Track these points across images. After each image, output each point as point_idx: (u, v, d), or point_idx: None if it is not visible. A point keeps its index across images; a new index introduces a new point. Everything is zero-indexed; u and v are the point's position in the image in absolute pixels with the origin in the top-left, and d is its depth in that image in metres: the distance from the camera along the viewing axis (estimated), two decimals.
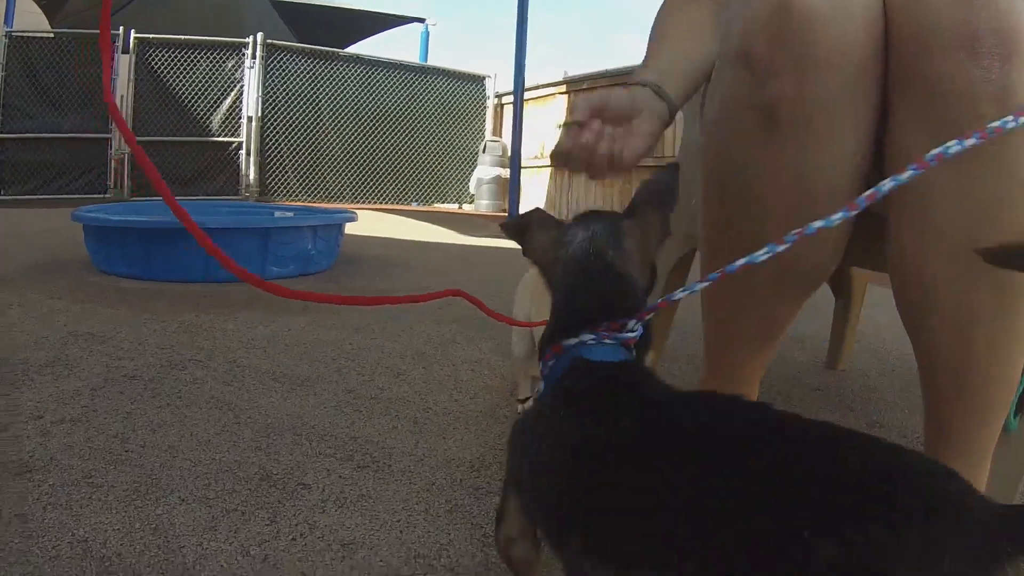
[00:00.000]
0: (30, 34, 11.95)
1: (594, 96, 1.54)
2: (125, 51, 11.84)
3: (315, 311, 3.81)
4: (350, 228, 5.62)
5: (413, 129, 14.00)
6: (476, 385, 2.72)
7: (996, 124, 1.10)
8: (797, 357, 3.27)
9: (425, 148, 14.12)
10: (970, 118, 1.24)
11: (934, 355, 1.46)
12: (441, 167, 14.33)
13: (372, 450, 2.13)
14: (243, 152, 12.45)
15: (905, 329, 1.52)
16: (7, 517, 1.66)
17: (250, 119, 12.42)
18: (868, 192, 1.12)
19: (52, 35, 12.22)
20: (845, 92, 1.37)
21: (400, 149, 13.89)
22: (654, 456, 0.99)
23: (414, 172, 14.06)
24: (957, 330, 1.38)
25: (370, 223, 6.68)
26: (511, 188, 10.98)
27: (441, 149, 14.31)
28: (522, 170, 11.17)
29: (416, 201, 13.95)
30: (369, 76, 13.62)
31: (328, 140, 13.26)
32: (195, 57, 12.24)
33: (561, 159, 1.55)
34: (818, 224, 1.14)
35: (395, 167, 13.87)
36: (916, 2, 1.29)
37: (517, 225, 1.39)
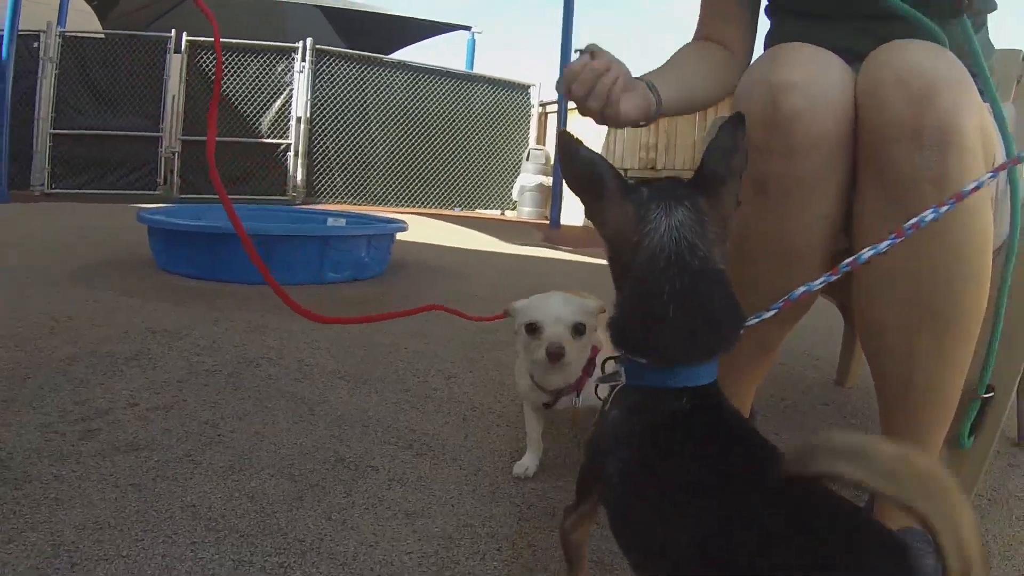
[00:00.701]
0: (83, 34, 12.32)
1: (601, 49, 1.75)
2: (177, 51, 12.21)
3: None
4: (400, 238, 5.87)
5: (457, 135, 14.24)
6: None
7: (944, 208, 1.40)
8: (810, 375, 3.49)
9: (469, 154, 14.35)
10: (913, 197, 1.54)
11: (883, 380, 1.74)
12: (484, 173, 14.54)
13: (428, 440, 2.44)
14: (291, 154, 12.71)
15: (864, 356, 1.82)
16: (123, 486, 1.97)
17: (299, 120, 12.73)
18: (849, 260, 1.41)
19: (103, 36, 12.61)
20: (821, 170, 1.66)
21: (444, 154, 14.14)
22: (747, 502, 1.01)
23: (457, 177, 14.30)
24: (902, 362, 1.68)
25: (415, 228, 6.90)
26: (554, 196, 11.17)
27: (485, 156, 14.51)
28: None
29: (459, 206, 14.19)
30: (415, 82, 13.89)
31: (374, 144, 13.53)
32: (245, 60, 12.57)
33: (570, 79, 1.72)
34: (801, 290, 1.45)
35: (439, 172, 14.13)
36: (877, 100, 1.57)
37: (588, 179, 1.30)
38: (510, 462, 2.30)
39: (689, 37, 2.20)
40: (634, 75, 1.82)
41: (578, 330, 2.01)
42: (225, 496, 1.96)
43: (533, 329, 2.02)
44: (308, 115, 12.79)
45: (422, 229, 8.69)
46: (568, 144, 1.33)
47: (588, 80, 1.71)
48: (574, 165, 1.32)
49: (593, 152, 1.32)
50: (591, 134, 12.69)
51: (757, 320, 1.42)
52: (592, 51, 1.74)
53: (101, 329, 3.48)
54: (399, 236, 5.85)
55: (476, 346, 3.64)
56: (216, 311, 4.01)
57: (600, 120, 1.79)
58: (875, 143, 1.60)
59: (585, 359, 2.09)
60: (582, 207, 1.34)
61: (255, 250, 2.24)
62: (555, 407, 2.17)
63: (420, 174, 13.94)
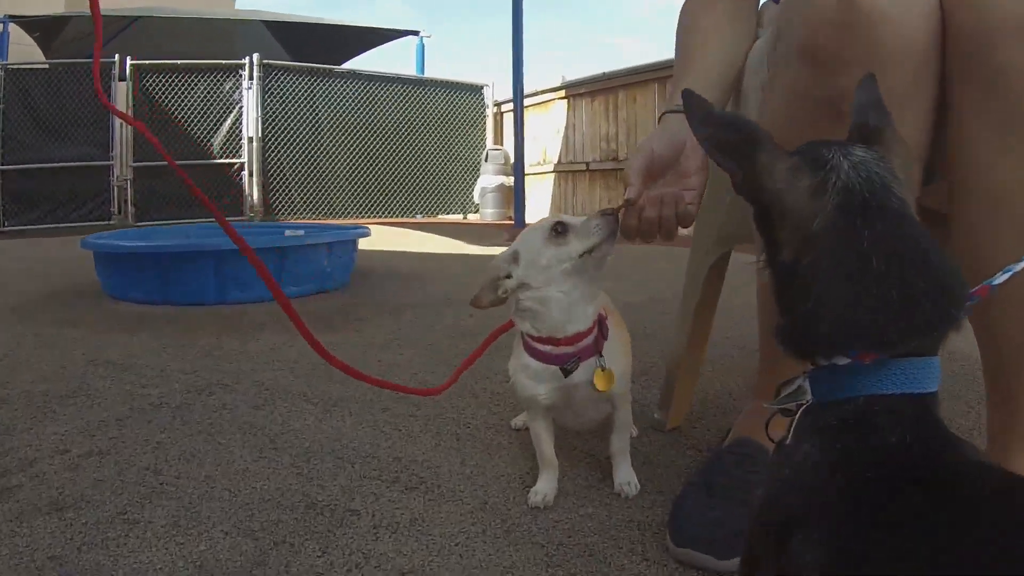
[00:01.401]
0: (25, 66, 12.01)
1: (637, 163, 1.61)
2: (121, 79, 11.86)
3: (338, 330, 3.74)
4: (361, 244, 5.54)
5: (414, 141, 13.99)
6: (512, 397, 2.59)
7: None
8: None
9: (427, 160, 14.10)
10: None
11: (1003, 341, 1.44)
12: (444, 178, 14.28)
13: (418, 470, 2.04)
14: (245, 173, 12.40)
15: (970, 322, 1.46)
16: (40, 560, 1.56)
17: (251, 140, 12.40)
18: (1004, 273, 1.03)
19: (47, 66, 12.24)
20: (908, 86, 1.35)
21: (402, 162, 13.88)
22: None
23: (417, 184, 14.03)
24: None
25: (378, 237, 6.60)
26: (516, 195, 10.98)
27: (443, 160, 14.27)
28: (526, 176, 11.15)
29: (420, 213, 13.89)
30: (367, 91, 13.63)
31: (329, 157, 13.25)
32: (192, 81, 12.25)
33: (629, 237, 1.65)
34: None
35: (398, 180, 13.85)
36: None
37: (734, 135, 1.00)
38: (522, 489, 1.92)
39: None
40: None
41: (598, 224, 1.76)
42: (166, 566, 1.55)
43: (564, 229, 1.75)
44: (260, 132, 12.45)
45: (386, 238, 8.36)
46: (697, 103, 1.04)
47: (652, 232, 1.66)
48: (711, 125, 1.03)
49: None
50: (549, 129, 12.54)
51: (1006, 276, 1.02)
52: (632, 201, 1.63)
53: (37, 366, 3.09)
54: (363, 246, 5.52)
55: (457, 352, 3.25)
56: (165, 337, 3.62)
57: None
58: (978, 48, 1.28)
59: (600, 299, 1.85)
60: (727, 176, 1.06)
61: (265, 268, 1.90)
62: (573, 382, 1.80)
63: (379, 184, 13.66)
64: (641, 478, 1.94)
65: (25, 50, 13.39)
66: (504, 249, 1.82)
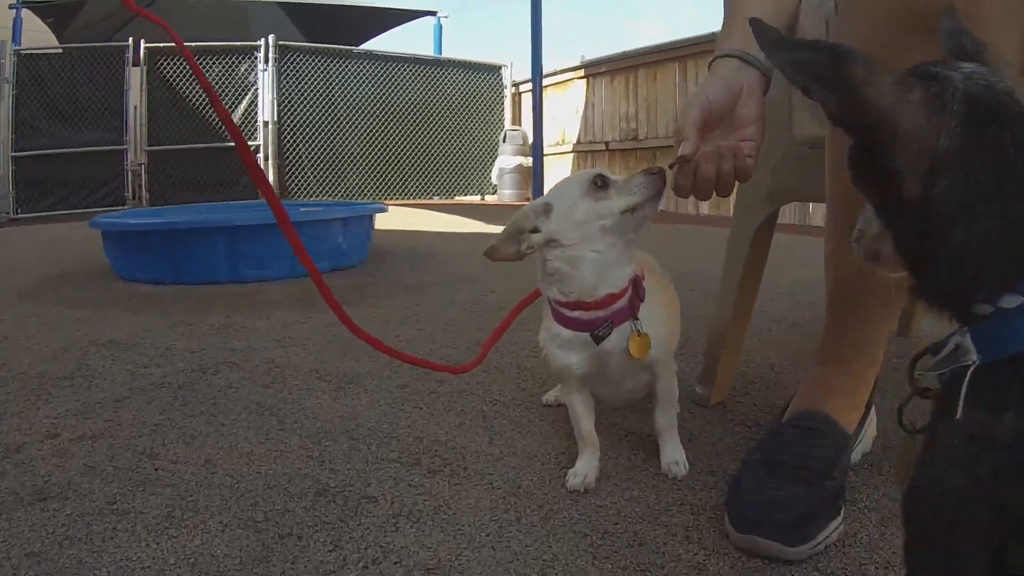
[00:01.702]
0: (39, 51, 11.79)
1: (692, 114, 1.42)
2: (136, 64, 11.68)
3: (353, 306, 3.54)
4: (378, 224, 5.35)
5: (431, 123, 13.75)
6: (541, 371, 2.41)
7: None
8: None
9: (444, 141, 13.87)
10: None
11: (835, 273, 1.62)
12: (462, 159, 14.06)
13: (441, 451, 1.84)
14: (260, 156, 12.22)
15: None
16: (16, 557, 1.38)
17: (266, 124, 12.20)
18: None
19: (60, 51, 12.05)
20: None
21: (419, 143, 13.64)
22: None
23: (435, 166, 13.81)
24: None
25: (396, 218, 6.41)
26: (535, 176, 10.87)
27: (461, 141, 14.03)
28: (544, 157, 11.00)
29: (438, 195, 13.70)
30: (384, 72, 13.41)
31: (346, 138, 13.04)
32: (207, 63, 11.98)
33: (683, 195, 1.48)
34: None
35: (415, 162, 13.64)
36: None
37: (821, 54, 0.83)
38: (559, 471, 1.72)
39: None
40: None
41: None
42: (156, 563, 1.36)
43: (605, 183, 1.60)
44: (276, 114, 12.25)
45: (403, 218, 8.18)
46: (767, 29, 0.88)
47: (709, 189, 1.46)
48: (789, 48, 0.85)
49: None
50: (567, 109, 12.36)
51: None
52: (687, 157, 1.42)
53: (37, 348, 2.92)
54: (381, 226, 5.33)
55: (477, 327, 3.08)
56: (173, 316, 3.44)
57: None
58: None
59: (636, 255, 1.68)
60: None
61: (300, 242, 1.73)
62: (606, 349, 1.62)
63: (395, 165, 13.45)
64: (689, 457, 1.76)
65: (39, 36, 13.26)
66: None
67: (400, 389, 2.31)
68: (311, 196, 12.48)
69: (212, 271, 4.31)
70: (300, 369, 2.52)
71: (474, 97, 14.19)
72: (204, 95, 11.69)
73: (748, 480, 1.50)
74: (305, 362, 2.60)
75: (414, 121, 13.59)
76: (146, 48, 11.56)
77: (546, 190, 9.08)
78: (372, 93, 13.26)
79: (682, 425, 1.93)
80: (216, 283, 4.28)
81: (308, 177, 12.63)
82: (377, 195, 12.98)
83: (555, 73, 12.69)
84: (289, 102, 12.46)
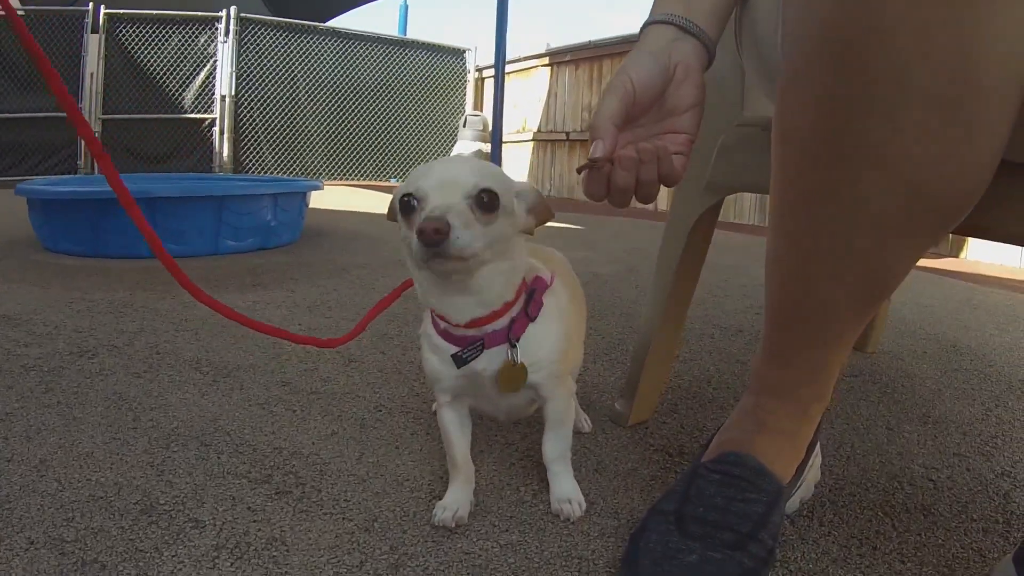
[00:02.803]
0: None
1: (611, 106, 1.20)
2: (95, 30, 11.45)
3: (267, 287, 3.42)
4: (320, 203, 5.20)
5: (392, 104, 13.64)
6: None
7: None
8: None
9: (404, 123, 13.77)
10: None
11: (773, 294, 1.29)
12: (421, 142, 13.95)
13: (299, 467, 1.65)
14: (216, 130, 12.06)
15: None
16: None
17: (223, 98, 12.01)
18: None
19: (22, 13, 11.79)
20: None
21: (379, 124, 13.53)
22: None
23: (393, 147, 13.68)
24: None
25: (346, 198, 6.18)
26: (492, 162, 10.67)
27: (421, 124, 13.95)
28: (504, 144, 10.91)
29: (395, 177, 13.55)
30: (346, 50, 13.27)
31: (304, 116, 12.87)
32: (166, 33, 11.83)
33: (598, 200, 1.25)
34: None
35: (374, 142, 13.51)
36: None
37: None
38: (428, 500, 1.50)
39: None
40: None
41: (485, 204, 1.22)
42: None
43: (410, 208, 1.25)
44: (233, 90, 12.06)
45: (352, 199, 8.01)
46: None
47: (627, 198, 1.22)
48: None
49: None
50: (530, 97, 12.24)
51: None
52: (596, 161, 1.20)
53: None
54: (328, 206, 5.20)
55: (393, 316, 2.91)
56: (79, 291, 3.29)
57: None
58: None
59: (513, 275, 1.35)
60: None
61: (139, 211, 1.54)
62: (478, 370, 1.37)
63: (354, 145, 13.30)
64: (590, 493, 1.53)
65: None
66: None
67: (280, 387, 2.15)
68: (266, 172, 12.36)
69: (133, 244, 4.14)
70: (180, 358, 2.37)
71: (437, 80, 14.13)
72: (163, 64, 11.57)
73: (653, 536, 1.24)
74: (189, 350, 2.46)
75: (375, 102, 13.49)
76: (106, 14, 11.36)
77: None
78: (333, 71, 13.15)
79: (589, 449, 1.75)
80: (139, 257, 4.13)
81: (264, 154, 12.47)
82: (333, 174, 12.89)
83: (519, 60, 12.60)
84: (248, 76, 12.28)
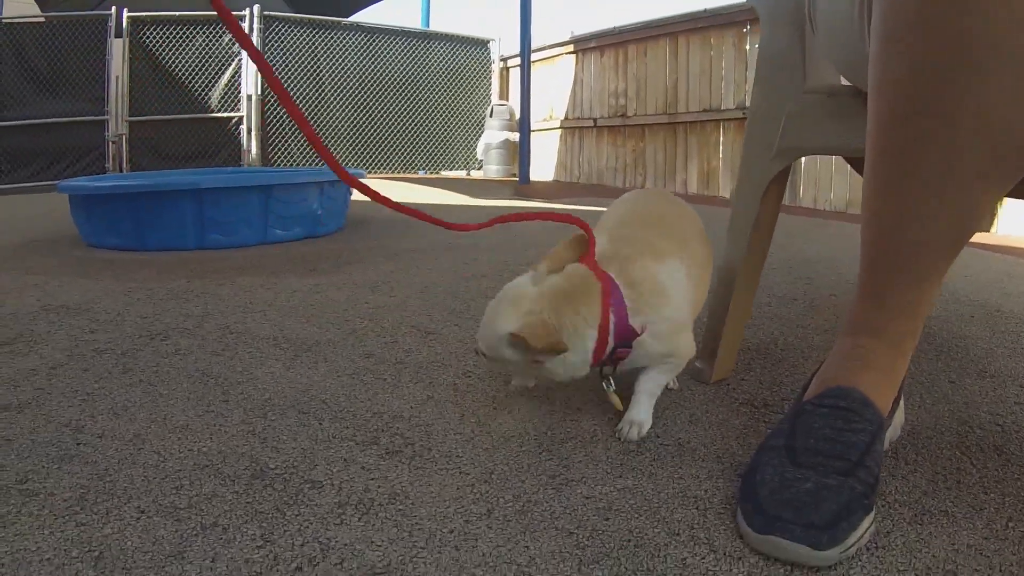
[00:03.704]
0: (21, 20, 11.53)
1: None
2: (118, 35, 11.42)
3: (325, 272, 3.35)
4: (354, 195, 5.13)
5: (418, 96, 13.57)
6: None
7: None
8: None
9: (431, 115, 13.69)
10: None
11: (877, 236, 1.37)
12: (448, 133, 13.88)
13: (403, 429, 1.62)
14: (243, 128, 12.03)
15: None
16: None
17: (249, 97, 11.98)
18: None
19: (43, 20, 11.80)
20: None
21: (405, 117, 13.46)
22: None
23: (420, 140, 13.62)
24: None
25: (380, 189, 6.11)
26: (522, 152, 10.74)
27: (447, 115, 13.86)
28: (531, 133, 10.88)
29: (423, 169, 13.53)
30: (370, 44, 13.20)
31: (330, 110, 12.83)
32: (190, 33, 11.79)
33: None
34: None
35: (401, 136, 13.44)
36: None
37: None
38: (540, 453, 1.50)
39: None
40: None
41: (512, 346, 1.47)
42: (56, 555, 1.14)
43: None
44: (259, 89, 12.02)
45: (386, 190, 7.89)
46: None
47: None
48: None
49: None
50: (556, 84, 12.17)
51: None
52: None
53: None
54: (354, 197, 5.12)
55: (458, 294, 2.88)
56: (133, 281, 3.21)
57: None
58: None
59: (578, 348, 1.49)
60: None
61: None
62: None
63: (380, 139, 13.25)
64: (690, 440, 1.56)
65: (20, 6, 13.04)
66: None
67: (364, 359, 2.10)
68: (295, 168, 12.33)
69: (179, 237, 4.10)
70: (256, 336, 2.31)
71: (461, 71, 14.02)
72: (188, 65, 11.58)
73: (768, 470, 1.30)
74: (262, 329, 2.39)
75: (400, 95, 13.41)
76: (128, 18, 11.32)
77: (533, 168, 8.95)
78: (358, 65, 13.07)
79: (680, 404, 1.77)
80: (183, 250, 4.07)
81: (292, 149, 12.42)
82: (361, 167, 12.83)
83: (544, 48, 12.50)
84: (274, 72, 12.24)
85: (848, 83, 1.73)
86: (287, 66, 12.36)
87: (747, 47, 8.44)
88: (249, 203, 4.25)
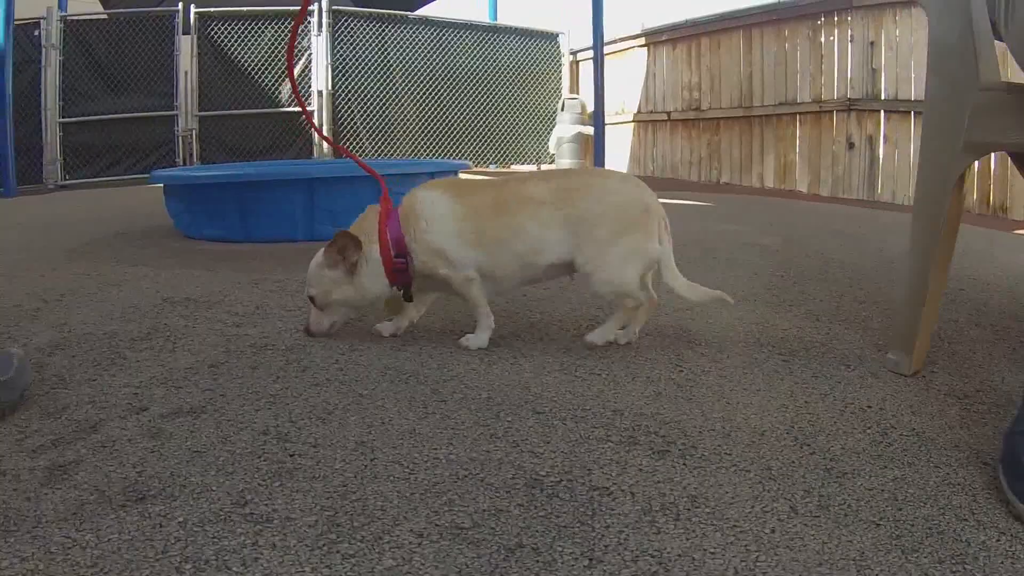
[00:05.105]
0: (85, 17, 11.62)
1: None
2: (186, 32, 11.44)
3: None
4: None
5: (487, 90, 13.42)
6: (710, 333, 2.00)
7: None
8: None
9: (500, 109, 13.52)
10: None
11: None
12: (518, 127, 13.71)
13: (653, 426, 1.47)
14: (315, 122, 11.93)
15: None
16: None
17: (320, 93, 11.87)
18: None
19: (106, 17, 11.89)
20: None
21: (475, 111, 13.32)
22: None
23: (490, 133, 13.48)
24: None
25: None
26: (597, 146, 10.64)
27: (517, 109, 13.68)
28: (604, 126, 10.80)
29: (494, 163, 13.39)
30: (439, 38, 13.11)
31: (401, 105, 12.70)
32: (258, 28, 11.75)
33: None
34: None
35: (470, 129, 13.32)
36: None
37: None
38: (799, 448, 1.41)
39: None
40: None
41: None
42: None
43: None
44: (330, 79, 11.94)
45: None
46: None
47: None
48: None
49: None
50: (627, 78, 11.97)
51: None
52: None
53: (100, 306, 2.48)
54: None
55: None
56: (254, 272, 3.02)
57: None
58: None
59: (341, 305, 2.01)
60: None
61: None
62: None
63: (450, 133, 13.12)
64: (926, 430, 1.55)
65: (85, 3, 13.05)
66: None
67: (563, 354, 1.90)
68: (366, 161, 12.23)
69: (288, 227, 3.91)
70: (430, 330, 2.11)
71: (531, 65, 13.85)
72: (256, 60, 11.50)
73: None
74: (433, 321, 2.19)
75: (470, 89, 13.30)
76: (196, 13, 11.32)
77: (608, 159, 8.80)
78: (428, 59, 12.95)
79: (894, 395, 1.74)
80: (291, 240, 3.89)
81: (363, 143, 12.30)
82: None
83: (615, 41, 12.33)
84: (343, 67, 12.15)
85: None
86: (357, 61, 12.25)
87: (821, 40, 8.22)
88: (362, 193, 4.06)
